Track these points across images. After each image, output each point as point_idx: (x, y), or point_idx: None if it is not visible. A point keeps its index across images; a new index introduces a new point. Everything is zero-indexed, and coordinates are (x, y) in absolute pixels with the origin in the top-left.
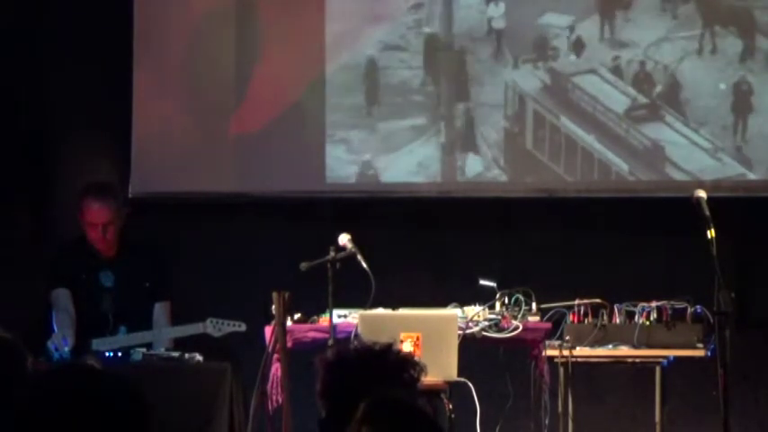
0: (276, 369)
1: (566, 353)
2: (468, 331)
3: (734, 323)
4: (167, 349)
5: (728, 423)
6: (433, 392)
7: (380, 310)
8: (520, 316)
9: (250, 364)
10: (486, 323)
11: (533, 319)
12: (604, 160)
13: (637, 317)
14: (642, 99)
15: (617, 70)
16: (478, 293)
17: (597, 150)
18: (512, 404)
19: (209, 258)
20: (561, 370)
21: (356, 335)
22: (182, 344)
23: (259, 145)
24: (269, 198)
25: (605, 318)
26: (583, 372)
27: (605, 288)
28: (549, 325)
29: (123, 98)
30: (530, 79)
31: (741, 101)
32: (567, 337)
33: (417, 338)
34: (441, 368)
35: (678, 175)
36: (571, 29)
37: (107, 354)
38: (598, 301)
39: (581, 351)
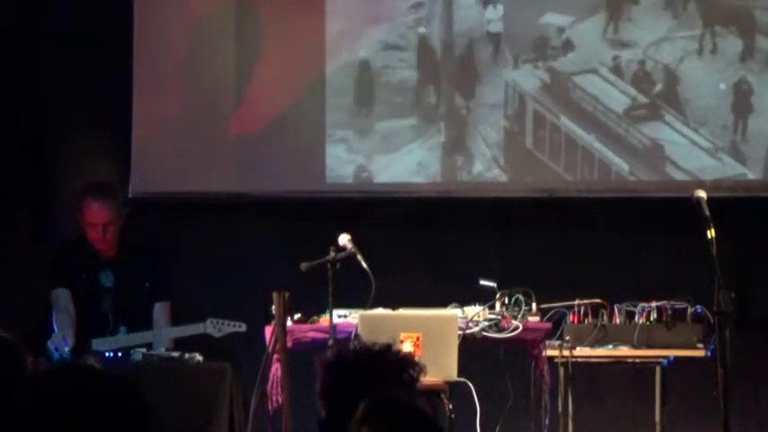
0: (276, 369)
1: (566, 353)
2: (468, 331)
3: (734, 323)
4: (167, 349)
5: (728, 423)
6: (433, 392)
7: (380, 310)
8: (520, 316)
9: (250, 364)
10: (486, 323)
11: (533, 319)
12: (604, 160)
13: (637, 317)
14: (642, 99)
15: (617, 70)
16: (478, 293)
17: (597, 150)
18: (512, 404)
19: (209, 258)
20: (561, 370)
21: (356, 335)
22: (182, 344)
23: (259, 145)
24: (269, 198)
25: (605, 318)
26: (583, 372)
27: (605, 288)
28: (549, 325)
29: (123, 98)
30: (530, 79)
31: (741, 101)
32: (567, 337)
33: (417, 338)
34: (441, 368)
35: (678, 175)
36: (571, 28)
37: (107, 354)
38: (598, 301)
39: (581, 351)
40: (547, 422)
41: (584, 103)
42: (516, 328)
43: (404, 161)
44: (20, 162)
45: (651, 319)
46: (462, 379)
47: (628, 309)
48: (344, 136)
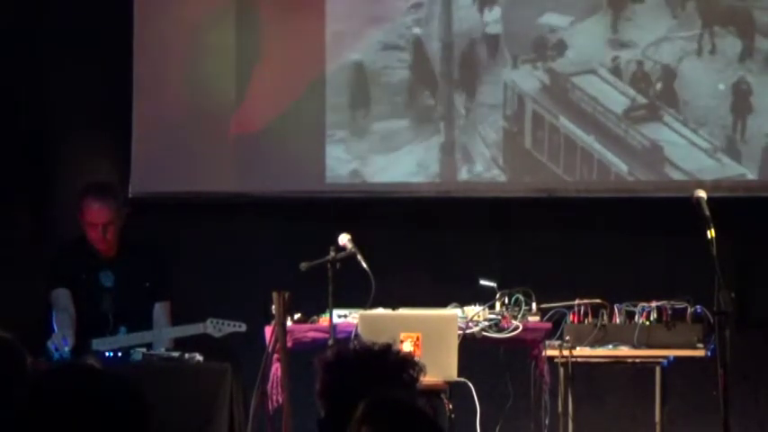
0: (276, 369)
1: (566, 353)
2: (468, 331)
3: (734, 323)
4: (167, 349)
5: (728, 423)
6: (433, 392)
7: (380, 310)
8: (520, 316)
9: (250, 364)
10: (486, 323)
11: (533, 319)
12: (603, 160)
13: (637, 317)
14: (641, 99)
15: (616, 70)
16: (478, 293)
17: (596, 150)
18: (512, 404)
19: (209, 258)
20: (561, 370)
21: (356, 335)
22: (182, 344)
23: (259, 145)
24: (269, 198)
25: (605, 318)
26: (583, 372)
27: (605, 288)
28: (549, 325)
29: (123, 98)
30: (529, 79)
31: (740, 101)
32: (567, 337)
33: (417, 338)
34: (441, 368)
35: (677, 176)
36: (570, 29)
37: (107, 354)
38: (598, 301)
39: (581, 351)
40: (547, 422)
41: (584, 103)
42: (516, 328)
43: (403, 161)
44: (20, 162)
45: (651, 319)
46: (462, 379)
47: (628, 309)
48: (344, 136)
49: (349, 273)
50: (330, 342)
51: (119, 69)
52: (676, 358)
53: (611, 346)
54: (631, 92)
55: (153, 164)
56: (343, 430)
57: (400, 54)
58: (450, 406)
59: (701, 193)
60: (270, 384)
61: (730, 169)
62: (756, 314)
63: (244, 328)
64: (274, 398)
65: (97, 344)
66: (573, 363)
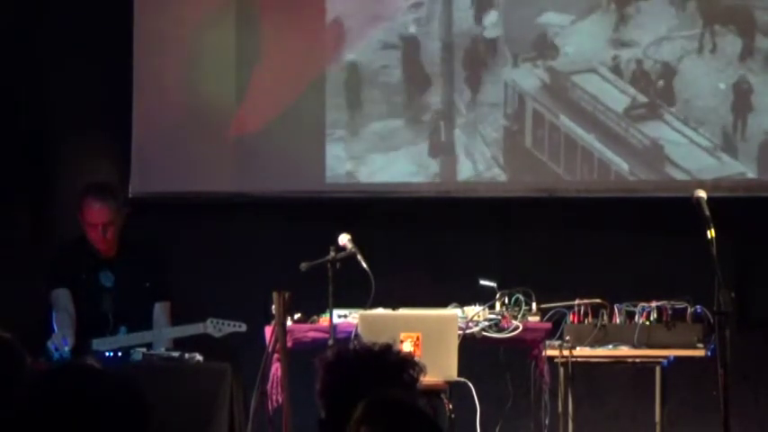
0: (276, 369)
1: (566, 353)
2: (468, 331)
3: (734, 323)
4: (167, 349)
5: (728, 423)
6: (433, 392)
7: (380, 310)
8: (520, 316)
9: (250, 364)
10: (486, 323)
11: (533, 319)
12: (604, 159)
13: (637, 317)
14: (642, 98)
15: (617, 69)
16: (478, 293)
17: (597, 149)
18: (512, 404)
19: (210, 258)
20: (561, 370)
21: (356, 335)
22: (182, 344)
23: (259, 145)
24: (269, 198)
25: (605, 318)
26: (583, 372)
27: (605, 288)
28: (549, 325)
29: (123, 98)
30: (529, 78)
31: (741, 100)
32: (567, 337)
33: (417, 338)
34: (441, 368)
35: (677, 175)
36: (571, 28)
37: (107, 354)
38: (598, 301)
39: (581, 351)
40: (547, 422)
41: (584, 102)
42: (516, 328)
43: (403, 161)
44: (20, 162)
45: (651, 319)
46: (462, 379)
47: (628, 309)
48: (344, 136)
49: (349, 273)
50: (330, 342)
51: (119, 69)
52: (676, 358)
53: (611, 346)
54: (632, 90)
55: (153, 164)
56: (344, 430)
57: (400, 54)
58: (450, 406)
59: (701, 193)
60: (270, 384)
61: (730, 168)
62: (756, 314)
63: (244, 328)
64: (274, 398)
65: (97, 344)
66: (573, 363)
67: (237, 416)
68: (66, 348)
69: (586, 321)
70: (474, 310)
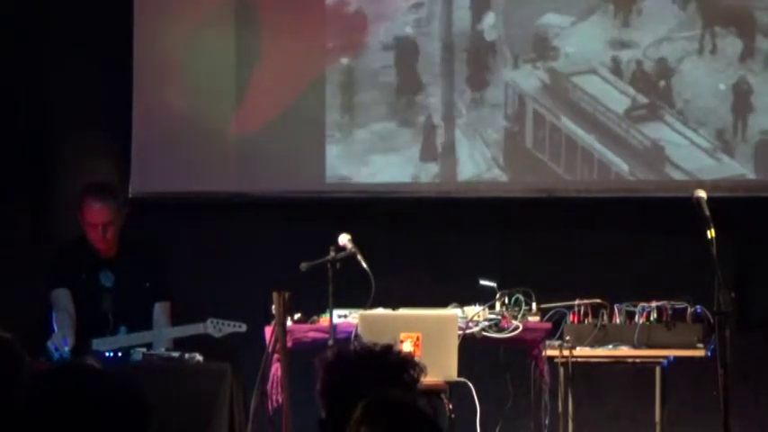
0: (276, 369)
1: (566, 353)
2: (468, 331)
3: (734, 323)
4: (167, 349)
5: (728, 423)
6: (433, 392)
7: (380, 310)
8: (520, 316)
9: (250, 364)
10: (486, 323)
11: (533, 319)
12: (604, 160)
13: (637, 317)
14: (642, 99)
15: (617, 70)
16: (478, 293)
17: (597, 150)
18: (512, 404)
19: (210, 258)
20: (561, 370)
21: (356, 335)
22: (182, 344)
23: (259, 145)
24: (269, 198)
25: (605, 318)
26: (583, 372)
27: (605, 288)
28: (549, 325)
29: (123, 98)
30: (530, 79)
31: (741, 101)
32: (567, 337)
33: (417, 338)
34: (441, 368)
35: (678, 175)
36: (571, 29)
37: (107, 354)
38: (598, 301)
39: (581, 351)
40: (547, 422)
41: (584, 103)
42: (516, 328)
43: (403, 161)
44: (20, 162)
45: (651, 319)
46: (462, 379)
47: (628, 309)
48: (344, 136)
49: (349, 273)
50: (330, 342)
51: (119, 69)
52: (676, 358)
53: (611, 346)
54: (632, 91)
55: (153, 164)
56: (344, 430)
57: (400, 54)
58: (451, 406)
59: (702, 193)
60: (270, 384)
61: (730, 169)
62: (756, 314)
63: (244, 328)
64: (274, 398)
65: (97, 344)
66: (573, 363)
67: (237, 416)
68: (66, 348)
69: (586, 321)
70: (474, 310)
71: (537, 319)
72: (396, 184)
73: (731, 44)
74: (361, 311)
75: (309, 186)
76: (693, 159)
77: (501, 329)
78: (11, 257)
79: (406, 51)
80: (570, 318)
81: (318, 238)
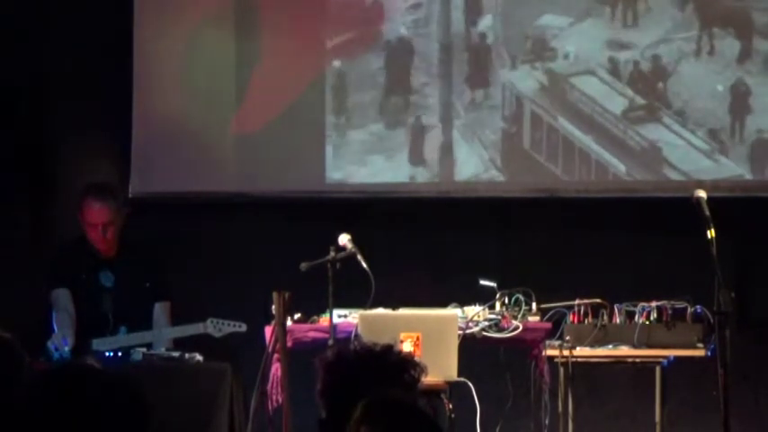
0: (276, 369)
1: (566, 353)
2: (468, 331)
3: (734, 323)
4: (167, 349)
5: (728, 423)
6: (433, 392)
7: (380, 310)
8: (520, 316)
9: (250, 364)
10: (486, 323)
11: (533, 319)
12: (602, 161)
13: (637, 317)
14: (640, 100)
15: (615, 71)
16: (478, 293)
17: (594, 151)
18: (512, 404)
19: (210, 258)
20: (561, 370)
21: (356, 335)
22: (182, 344)
23: (259, 145)
24: (269, 198)
25: (605, 318)
26: (583, 372)
27: (605, 288)
28: (549, 325)
29: (123, 99)
30: (527, 80)
31: (739, 102)
32: (567, 337)
33: (417, 338)
34: (441, 368)
35: (675, 176)
36: (569, 30)
37: (107, 354)
38: (598, 301)
39: (581, 351)
40: (547, 422)
41: (582, 104)
42: (516, 328)
43: (403, 161)
44: (20, 162)
45: (651, 318)
46: (462, 379)
47: (628, 309)
48: (344, 136)
49: (349, 273)
50: (330, 342)
51: (119, 69)
52: (676, 358)
53: (611, 346)
54: (630, 92)
55: (153, 164)
56: (344, 430)
57: (398, 55)
58: (451, 406)
59: (701, 193)
60: (270, 384)
61: (728, 170)
62: (756, 314)
63: (244, 328)
64: (274, 398)
65: (97, 344)
66: (573, 363)
67: (237, 416)
68: (66, 348)
69: (586, 321)
70: (474, 310)
71: (537, 319)
72: (396, 184)
73: (729, 45)
74: (361, 311)
75: (309, 186)
76: (691, 160)
77: (501, 329)
78: (11, 257)
79: (402, 52)
80: (570, 318)
81: (318, 238)
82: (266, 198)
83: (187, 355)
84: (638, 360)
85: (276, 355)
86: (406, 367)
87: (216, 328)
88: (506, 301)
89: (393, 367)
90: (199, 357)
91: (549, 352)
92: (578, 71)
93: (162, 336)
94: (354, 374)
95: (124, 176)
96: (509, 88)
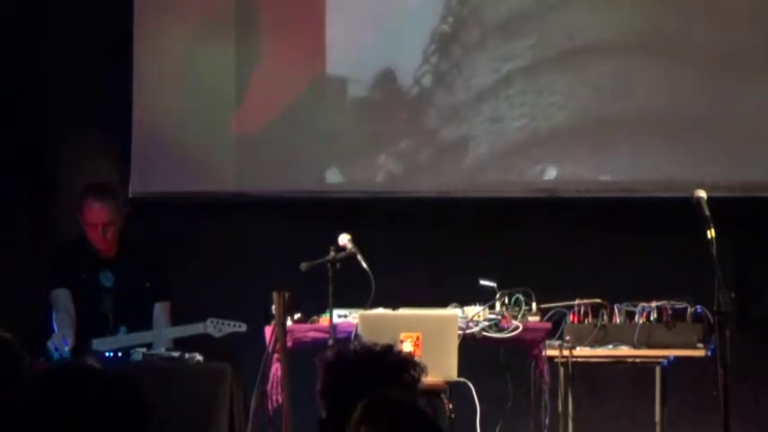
0: (276, 369)
1: (566, 353)
2: (468, 331)
3: (734, 323)
4: (167, 349)
5: (728, 423)
6: (433, 392)
7: (380, 310)
8: (520, 316)
9: (250, 364)
10: (486, 323)
11: (533, 319)
12: (603, 161)
13: (637, 317)
14: (639, 100)
15: (614, 72)
16: (478, 293)
17: (594, 151)
18: (512, 404)
19: (210, 258)
20: (561, 370)
21: (356, 335)
22: (182, 344)
23: (259, 145)
24: (269, 198)
25: (605, 318)
26: (583, 372)
27: (605, 288)
28: (549, 325)
29: (123, 99)
30: (528, 79)
31: (738, 102)
32: (567, 337)
33: (417, 338)
34: (441, 368)
35: (676, 176)
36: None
37: (107, 354)
38: (598, 301)
39: (581, 351)
40: (547, 422)
41: (582, 103)
42: (516, 328)
43: (403, 161)
44: (20, 162)
45: (651, 319)
46: (462, 379)
47: (628, 309)
48: (344, 136)
49: (349, 273)
50: (330, 342)
51: (119, 70)
52: (676, 358)
53: (611, 346)
54: (629, 92)
55: (153, 164)
56: (344, 430)
57: (399, 54)
58: (451, 406)
59: (702, 193)
60: (270, 384)
61: (728, 170)
62: (756, 314)
63: (244, 328)
64: (274, 398)
65: (97, 344)
66: (573, 363)
67: (237, 416)
68: (66, 348)
69: (586, 321)
70: (474, 310)
71: (537, 319)
72: (395, 184)
73: (727, 45)
74: (361, 311)
75: (309, 186)
76: (691, 161)
77: (501, 329)
78: (11, 257)
79: (403, 52)
80: (570, 318)
81: (318, 238)
82: (266, 198)
83: (187, 355)
84: (638, 360)
85: (276, 355)
86: (406, 367)
87: (216, 328)
88: (506, 301)
89: (393, 367)
90: (199, 357)
91: (549, 352)
92: (578, 70)
93: (162, 336)
94: (354, 374)
95: (124, 176)
96: (509, 87)
